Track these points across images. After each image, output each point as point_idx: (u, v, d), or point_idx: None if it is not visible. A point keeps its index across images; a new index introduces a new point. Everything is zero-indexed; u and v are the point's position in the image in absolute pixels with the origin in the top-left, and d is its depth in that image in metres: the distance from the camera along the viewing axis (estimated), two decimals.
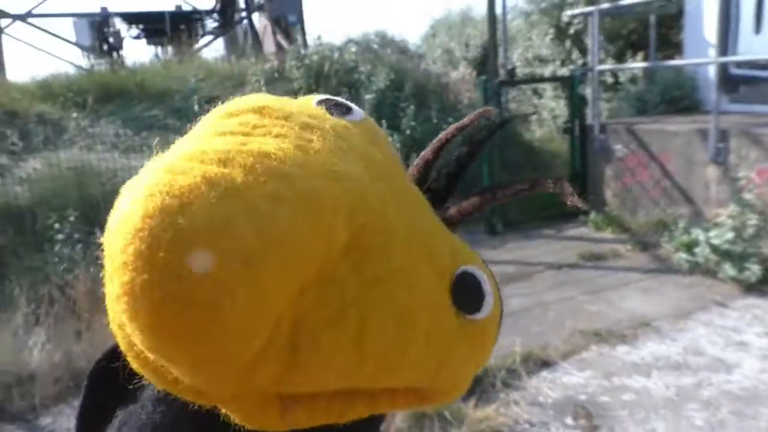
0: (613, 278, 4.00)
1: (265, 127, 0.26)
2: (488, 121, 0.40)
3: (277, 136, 0.25)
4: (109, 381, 0.35)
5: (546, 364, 2.89)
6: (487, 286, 0.30)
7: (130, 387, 0.32)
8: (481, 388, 2.66)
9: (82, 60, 7.87)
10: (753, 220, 3.82)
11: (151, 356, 0.22)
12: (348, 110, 0.31)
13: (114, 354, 0.35)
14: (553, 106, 7.62)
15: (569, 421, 2.43)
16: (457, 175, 0.37)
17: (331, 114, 0.30)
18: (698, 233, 4.04)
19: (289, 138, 0.25)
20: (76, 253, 3.57)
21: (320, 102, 0.31)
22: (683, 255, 4.02)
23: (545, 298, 3.72)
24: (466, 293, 0.28)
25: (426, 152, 0.38)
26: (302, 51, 6.43)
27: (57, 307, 3.15)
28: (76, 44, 8.15)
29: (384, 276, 0.24)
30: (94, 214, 3.79)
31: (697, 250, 3.95)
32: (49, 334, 3.01)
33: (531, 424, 2.43)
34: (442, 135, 0.39)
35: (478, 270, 0.30)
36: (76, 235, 3.64)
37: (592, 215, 5.16)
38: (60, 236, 3.66)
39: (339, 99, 0.32)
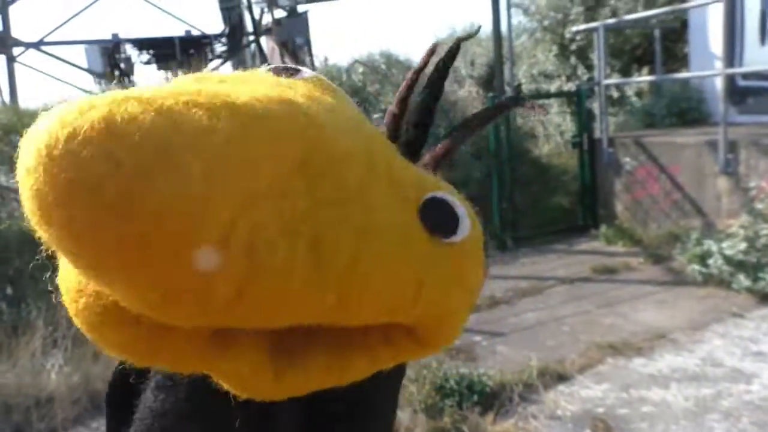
0: (627, 291, 3.99)
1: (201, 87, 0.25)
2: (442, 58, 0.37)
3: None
4: (124, 401, 0.35)
5: (562, 377, 2.88)
6: (461, 210, 0.29)
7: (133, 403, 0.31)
8: (498, 402, 2.65)
9: (94, 86, 8.01)
10: (766, 230, 3.81)
11: (94, 290, 0.22)
12: (296, 71, 0.31)
13: (124, 374, 0.34)
14: (559, 121, 7.66)
15: None
16: (425, 122, 0.36)
17: (279, 76, 0.30)
18: (711, 244, 4.03)
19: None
20: None
21: (269, 70, 0.31)
22: (696, 267, 4.01)
23: (559, 312, 3.71)
24: (437, 217, 0.28)
25: (392, 106, 0.37)
26: None
27: (74, 329, 3.17)
28: (88, 70, 8.29)
29: (336, 199, 0.24)
30: None
31: (710, 261, 3.94)
32: (67, 356, 3.03)
33: None
34: (403, 85, 0.38)
35: (449, 195, 0.29)
36: None
37: (603, 229, 5.16)
38: None
39: (287, 65, 0.31)
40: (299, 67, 0.31)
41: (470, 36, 0.38)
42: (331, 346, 0.26)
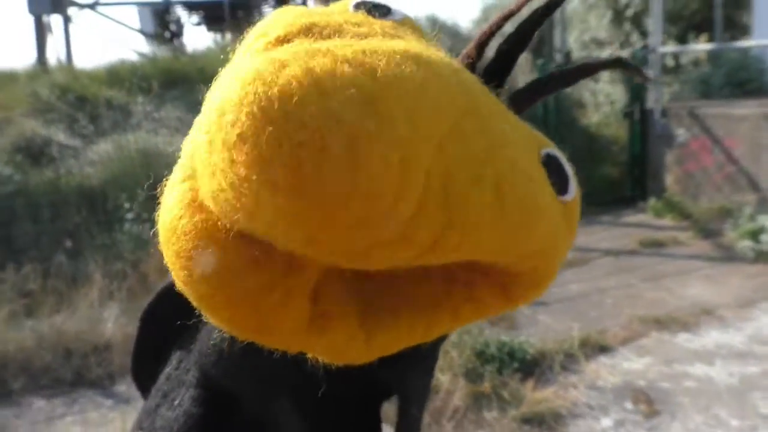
0: (674, 266, 3.93)
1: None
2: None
3: None
4: (161, 323, 0.34)
5: (604, 349, 2.88)
6: (569, 168, 0.29)
7: (188, 324, 0.30)
8: (539, 370, 2.68)
9: (145, 47, 8.17)
10: None
11: (291, 237, 0.20)
12: (388, 11, 0.29)
13: (165, 297, 0.34)
14: (609, 90, 7.45)
15: (629, 405, 2.43)
16: (505, 70, 0.33)
17: (372, 16, 0.29)
18: (765, 220, 3.92)
19: None
20: (144, 231, 3.73)
21: (357, 6, 0.29)
22: (748, 243, 3.91)
23: (603, 284, 3.69)
24: (554, 175, 0.27)
25: (469, 49, 0.34)
26: None
27: (129, 282, 3.31)
28: (140, 32, 8.44)
29: (504, 142, 0.23)
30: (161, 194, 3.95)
31: (763, 237, 3.84)
32: (122, 308, 3.17)
33: (590, 407, 2.43)
34: (485, 27, 0.34)
35: (559, 152, 0.28)
36: (145, 215, 3.80)
37: (652, 201, 5.06)
38: (129, 215, 3.83)
39: (377, 1, 0.29)
40: (389, 6, 0.30)
41: None
42: (415, 306, 0.26)
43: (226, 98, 0.20)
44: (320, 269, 0.23)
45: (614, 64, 0.33)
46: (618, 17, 7.97)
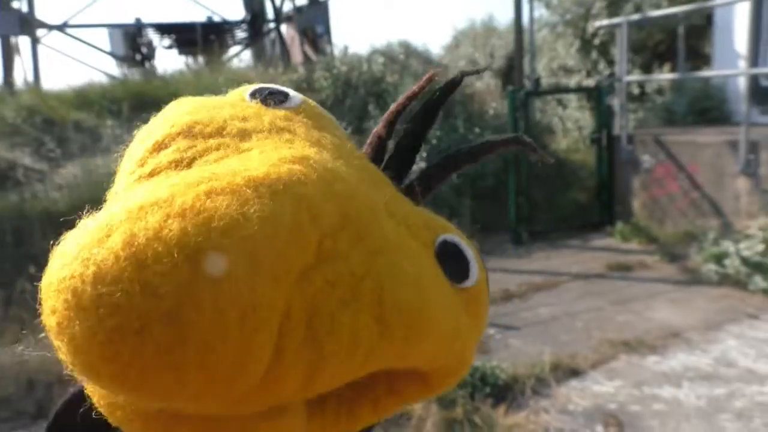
0: (641, 289, 3.99)
1: (198, 152, 0.24)
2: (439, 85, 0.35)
3: (214, 161, 0.24)
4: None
5: (575, 373, 2.90)
6: (469, 252, 0.28)
7: None
8: (510, 395, 2.68)
9: (116, 69, 8.11)
10: None
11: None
12: (285, 97, 0.30)
13: (74, 404, 0.31)
14: (578, 116, 7.62)
15: (599, 429, 2.44)
16: (414, 147, 0.34)
17: (268, 105, 0.29)
18: (728, 245, 4.02)
19: (227, 156, 0.24)
20: None
21: (254, 93, 0.29)
22: (712, 266, 4.00)
23: (573, 308, 3.72)
24: (451, 262, 0.27)
25: (378, 128, 0.35)
26: (333, 62, 6.52)
27: None
28: (110, 54, 8.37)
29: (384, 247, 0.22)
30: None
31: (726, 261, 3.93)
32: None
33: None
34: (393, 106, 0.36)
35: (456, 237, 0.28)
36: None
37: (619, 226, 5.15)
38: None
39: (273, 86, 0.30)
40: (286, 91, 0.30)
41: (476, 72, 0.36)
42: (340, 396, 0.25)
43: (47, 281, 0.19)
44: None
45: (513, 141, 0.34)
46: (585, 46, 8.18)
